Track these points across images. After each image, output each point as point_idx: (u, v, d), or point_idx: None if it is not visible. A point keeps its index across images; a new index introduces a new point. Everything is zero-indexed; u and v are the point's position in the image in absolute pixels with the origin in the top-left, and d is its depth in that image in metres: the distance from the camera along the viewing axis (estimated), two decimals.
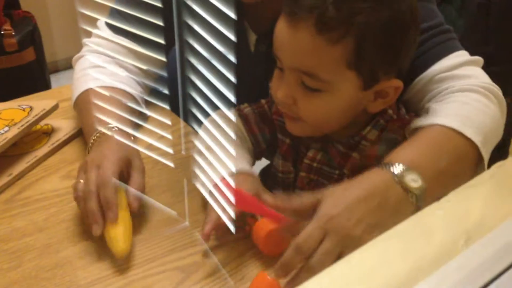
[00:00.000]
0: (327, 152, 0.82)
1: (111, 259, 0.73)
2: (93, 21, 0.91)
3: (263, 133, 0.89)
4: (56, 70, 2.50)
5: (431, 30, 0.83)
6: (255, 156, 0.91)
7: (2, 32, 1.87)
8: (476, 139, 0.72)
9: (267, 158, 0.98)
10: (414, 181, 0.65)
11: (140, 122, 0.90)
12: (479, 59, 0.84)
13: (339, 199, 0.64)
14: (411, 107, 0.84)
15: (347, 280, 0.29)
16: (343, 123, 0.78)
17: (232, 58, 0.72)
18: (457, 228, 0.32)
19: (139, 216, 0.80)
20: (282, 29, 0.72)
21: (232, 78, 0.71)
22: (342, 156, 0.80)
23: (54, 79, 2.28)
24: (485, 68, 0.85)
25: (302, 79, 0.72)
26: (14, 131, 0.88)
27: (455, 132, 0.72)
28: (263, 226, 0.71)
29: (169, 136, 0.91)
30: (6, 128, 0.89)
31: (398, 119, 0.79)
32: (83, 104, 0.91)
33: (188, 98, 0.91)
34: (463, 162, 0.72)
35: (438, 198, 0.57)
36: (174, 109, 0.95)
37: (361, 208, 0.63)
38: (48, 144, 0.94)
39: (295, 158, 0.86)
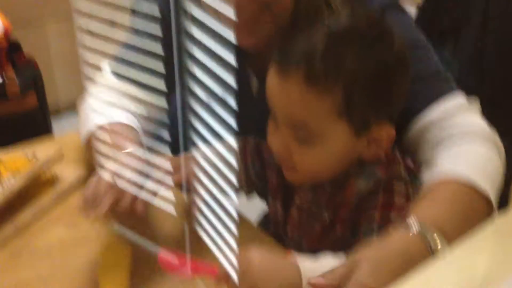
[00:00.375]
0: (316, 192, 0.81)
1: None
2: (95, 66, 0.93)
3: (254, 164, 0.90)
4: (58, 114, 2.52)
5: (427, 74, 0.84)
6: (247, 187, 0.92)
7: (5, 78, 1.89)
8: (490, 191, 0.72)
9: (260, 197, 0.98)
10: (441, 244, 0.64)
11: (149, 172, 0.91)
12: (476, 103, 0.85)
13: (375, 267, 0.62)
14: (408, 149, 0.84)
15: None
16: (339, 171, 0.78)
17: (232, 103, 0.74)
18: (462, 284, 0.33)
19: (144, 266, 0.79)
20: (272, 80, 0.74)
21: (233, 123, 0.73)
22: (330, 196, 0.79)
23: (56, 123, 2.30)
24: (482, 110, 0.86)
25: (295, 132, 0.73)
26: (19, 182, 0.89)
27: (470, 185, 0.72)
28: None
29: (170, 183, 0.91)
30: (12, 179, 0.90)
31: (381, 158, 0.78)
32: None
33: (189, 143, 0.92)
34: (478, 216, 0.72)
35: None
36: (175, 154, 0.96)
37: (393, 276, 0.60)
38: (53, 194, 0.95)
39: (285, 197, 0.87)
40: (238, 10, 0.69)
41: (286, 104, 0.73)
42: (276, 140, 0.76)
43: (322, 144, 0.73)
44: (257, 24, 0.82)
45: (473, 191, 0.71)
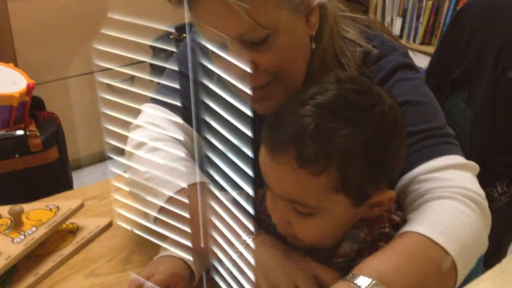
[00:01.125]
0: (311, 253, 0.80)
1: None
2: (115, 121, 0.96)
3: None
4: (79, 167, 2.57)
5: (424, 132, 0.82)
6: None
7: (28, 133, 1.94)
8: (451, 248, 0.70)
9: None
10: None
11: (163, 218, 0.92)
12: (472, 164, 0.82)
13: None
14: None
15: None
16: (341, 236, 0.77)
17: (249, 152, 0.75)
18: None
19: None
20: (264, 160, 0.73)
21: (250, 172, 0.74)
22: (325, 256, 0.79)
23: (76, 175, 2.34)
24: (496, 157, 0.86)
25: (294, 206, 0.72)
26: (42, 231, 0.92)
27: (430, 241, 0.70)
28: None
29: (187, 229, 0.93)
30: (34, 229, 0.92)
31: (378, 222, 0.77)
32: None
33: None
34: (438, 273, 0.70)
35: None
36: None
37: None
38: (73, 243, 0.97)
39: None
40: (249, 82, 0.72)
41: (280, 183, 0.73)
42: (276, 213, 0.76)
43: (321, 216, 0.72)
44: (268, 93, 0.82)
45: (433, 246, 0.70)
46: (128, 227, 0.98)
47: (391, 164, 0.74)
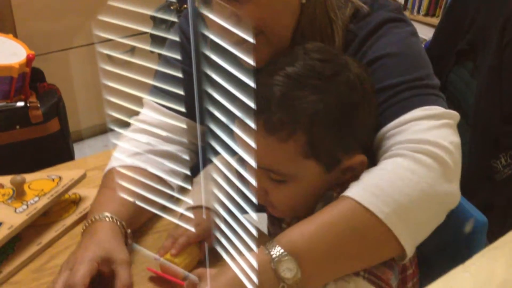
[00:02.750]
0: (299, 218, 0.80)
1: None
2: (116, 92, 0.95)
3: None
4: (80, 139, 2.56)
5: (402, 85, 0.78)
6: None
7: (28, 105, 1.94)
8: (380, 211, 0.67)
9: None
10: (289, 271, 0.65)
11: (165, 190, 0.92)
12: (449, 114, 0.77)
13: (217, 283, 0.68)
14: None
15: None
16: (317, 202, 0.78)
17: (252, 125, 0.75)
18: None
19: (163, 285, 0.81)
20: (237, 129, 0.75)
21: (253, 144, 0.74)
22: None
23: (77, 148, 2.33)
24: (500, 128, 0.85)
25: (268, 174, 0.75)
26: (44, 201, 0.91)
27: (357, 204, 0.68)
28: None
29: (191, 202, 0.93)
30: (36, 198, 0.92)
31: (348, 182, 0.76)
32: (101, 184, 0.92)
33: (208, 149, 0.94)
34: (362, 239, 0.68)
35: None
36: (194, 175, 0.97)
37: None
38: (76, 213, 0.97)
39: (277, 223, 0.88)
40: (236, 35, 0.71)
41: (252, 151, 0.74)
42: (253, 184, 0.77)
43: (295, 183, 0.75)
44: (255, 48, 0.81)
45: (362, 211, 0.68)
46: (131, 199, 0.97)
47: (359, 130, 0.75)
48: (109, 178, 0.91)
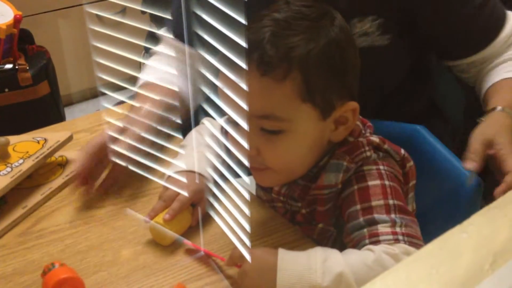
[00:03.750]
0: (289, 186, 0.80)
1: None
2: (106, 54, 0.92)
3: None
4: (70, 103, 2.52)
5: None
6: None
7: (17, 67, 1.89)
8: None
9: None
10: None
11: (156, 153, 0.90)
12: None
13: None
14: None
15: None
16: (311, 163, 0.76)
17: (243, 65, 0.72)
18: (482, 252, 0.31)
19: (151, 248, 0.79)
20: (228, 79, 0.71)
21: (244, 86, 0.71)
22: (302, 188, 0.78)
23: (68, 112, 2.30)
24: None
25: (261, 125, 0.71)
26: (29, 163, 0.89)
27: None
28: (54, 275, 0.69)
29: (183, 166, 0.90)
30: (21, 161, 0.89)
31: (346, 145, 0.76)
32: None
33: (200, 112, 0.91)
34: None
35: None
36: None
37: None
38: (62, 176, 0.94)
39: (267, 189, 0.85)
40: None
41: (248, 96, 0.70)
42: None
43: (290, 132, 0.72)
44: None
45: None
46: (123, 163, 0.95)
47: (349, 73, 0.75)
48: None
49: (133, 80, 1.03)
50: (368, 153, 0.75)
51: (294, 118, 0.71)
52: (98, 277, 0.74)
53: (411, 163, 0.79)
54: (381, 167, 0.74)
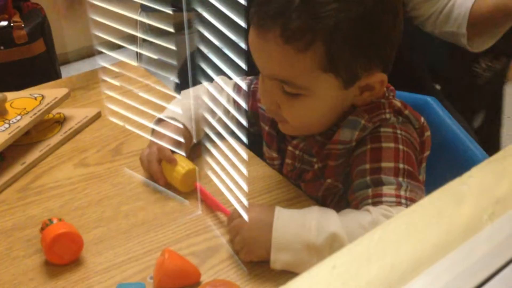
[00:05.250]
0: (307, 141, 0.79)
1: (126, 245, 0.73)
2: (102, 12, 0.91)
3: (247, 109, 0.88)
4: (66, 62, 2.50)
5: None
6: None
7: (12, 24, 1.87)
8: None
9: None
10: None
11: (153, 113, 0.90)
12: None
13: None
14: None
15: (375, 251, 0.28)
16: (332, 122, 0.75)
17: (243, 45, 0.72)
18: (482, 202, 0.31)
19: (150, 204, 0.80)
20: (252, 39, 0.71)
21: (243, 66, 0.71)
22: (320, 145, 0.77)
23: (64, 70, 2.28)
24: None
25: (282, 87, 0.71)
26: (27, 119, 0.88)
27: None
28: (52, 230, 0.69)
29: (180, 125, 0.90)
30: (19, 117, 0.89)
31: (368, 104, 0.74)
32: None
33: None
34: None
35: None
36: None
37: None
38: (60, 133, 0.94)
39: (279, 145, 0.85)
40: None
41: (267, 62, 0.71)
42: (265, 96, 0.75)
43: (309, 98, 0.71)
44: None
45: None
46: (120, 123, 0.95)
47: (382, 45, 0.71)
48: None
49: (129, 38, 1.02)
50: (388, 115, 0.74)
51: (313, 87, 0.70)
52: (97, 232, 0.75)
53: (429, 132, 0.78)
54: (398, 131, 0.73)
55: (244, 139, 0.81)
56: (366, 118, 0.73)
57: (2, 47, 1.87)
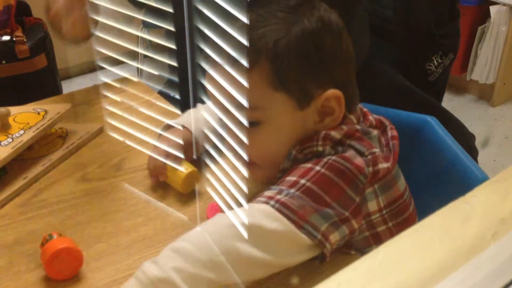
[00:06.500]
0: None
1: (126, 261, 0.73)
2: (105, 28, 0.92)
3: None
4: (68, 77, 2.51)
5: None
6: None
7: (14, 39, 1.88)
8: None
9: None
10: None
11: (154, 129, 0.90)
12: None
13: None
14: None
15: (379, 269, 0.29)
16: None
17: (244, 62, 0.72)
18: (485, 222, 0.32)
19: (151, 220, 0.80)
20: (208, 75, 0.72)
21: (245, 83, 0.71)
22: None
23: (66, 85, 2.29)
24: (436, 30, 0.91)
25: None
26: (29, 134, 0.89)
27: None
28: (52, 246, 0.69)
29: (180, 141, 0.91)
30: (21, 132, 0.90)
31: (311, 139, 0.72)
32: None
33: (199, 102, 0.92)
34: None
35: None
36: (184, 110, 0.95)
37: None
38: (63, 148, 0.94)
39: None
40: None
41: (226, 90, 0.70)
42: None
43: (267, 124, 0.71)
44: None
45: None
46: (120, 138, 0.95)
47: (328, 63, 0.72)
48: None
49: (131, 54, 1.03)
50: (320, 148, 0.71)
51: (267, 107, 0.70)
52: (98, 247, 0.75)
53: (387, 165, 0.70)
54: (327, 158, 0.68)
55: (245, 156, 0.82)
56: (297, 149, 0.72)
57: (4, 62, 1.88)
